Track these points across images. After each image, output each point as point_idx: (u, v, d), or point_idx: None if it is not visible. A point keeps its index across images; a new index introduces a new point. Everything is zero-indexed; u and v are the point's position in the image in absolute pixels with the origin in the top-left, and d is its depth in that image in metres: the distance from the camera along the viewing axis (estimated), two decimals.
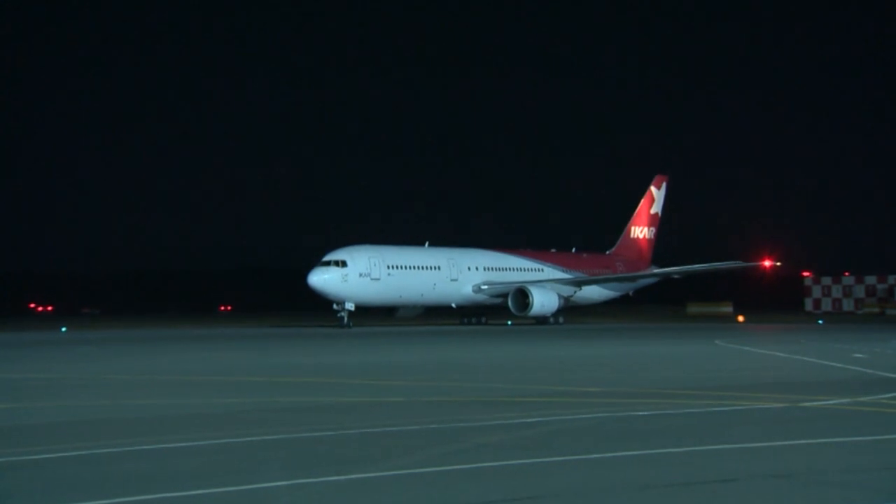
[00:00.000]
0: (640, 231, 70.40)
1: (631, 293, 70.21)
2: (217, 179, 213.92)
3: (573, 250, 66.19)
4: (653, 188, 71.01)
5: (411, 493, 8.03)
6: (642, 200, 70.70)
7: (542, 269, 61.18)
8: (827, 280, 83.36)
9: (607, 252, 68.52)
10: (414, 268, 54.52)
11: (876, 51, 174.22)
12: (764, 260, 58.63)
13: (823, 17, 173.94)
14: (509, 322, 58.88)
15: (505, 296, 56.97)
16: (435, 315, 63.67)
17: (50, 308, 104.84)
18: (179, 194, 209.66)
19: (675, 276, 65.40)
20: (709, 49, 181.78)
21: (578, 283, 60.95)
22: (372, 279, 51.65)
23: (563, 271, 62.09)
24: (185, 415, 13.13)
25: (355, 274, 50.94)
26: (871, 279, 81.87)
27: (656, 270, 68.28)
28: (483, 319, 61.36)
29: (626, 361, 24.16)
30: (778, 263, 58.07)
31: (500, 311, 60.33)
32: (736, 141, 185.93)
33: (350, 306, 51.15)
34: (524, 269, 60.40)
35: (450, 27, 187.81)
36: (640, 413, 12.82)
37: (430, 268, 55.49)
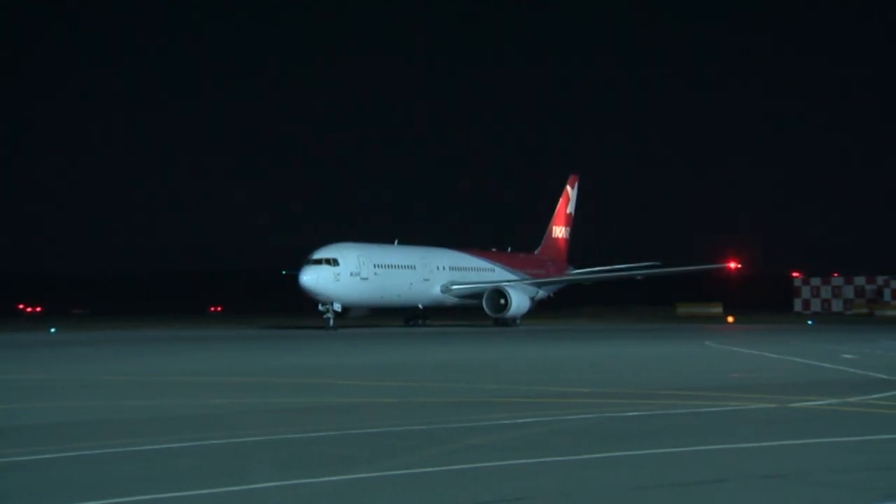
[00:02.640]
0: (559, 231, 70.08)
1: (552, 294, 69.02)
2: (208, 181, 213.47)
3: (508, 250, 65.70)
4: (568, 188, 70.65)
5: (404, 494, 8.09)
6: (560, 200, 70.31)
7: (494, 270, 60.70)
8: (816, 281, 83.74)
9: (535, 252, 68.32)
10: (395, 267, 53.72)
11: (867, 44, 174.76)
12: (729, 262, 58.12)
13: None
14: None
15: (472, 297, 56.64)
16: (379, 316, 61.85)
17: (39, 309, 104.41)
18: (169, 195, 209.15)
19: (638, 278, 64.46)
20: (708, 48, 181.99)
21: (539, 284, 60.76)
22: (361, 279, 50.53)
23: (510, 271, 61.60)
24: (180, 416, 13.16)
25: (346, 273, 49.71)
26: (860, 280, 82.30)
27: (577, 271, 68.01)
28: (427, 321, 60.33)
29: (617, 362, 24.24)
30: (739, 266, 57.48)
31: (461, 312, 59.70)
32: (729, 141, 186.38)
33: (337, 307, 49.60)
34: (480, 269, 59.86)
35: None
36: (631, 414, 12.90)
37: (407, 267, 54.71)
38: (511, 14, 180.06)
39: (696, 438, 10.65)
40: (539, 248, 68.66)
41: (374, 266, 51.77)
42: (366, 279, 50.90)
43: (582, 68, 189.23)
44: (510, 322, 55.21)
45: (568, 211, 70.61)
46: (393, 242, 57.06)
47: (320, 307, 49.79)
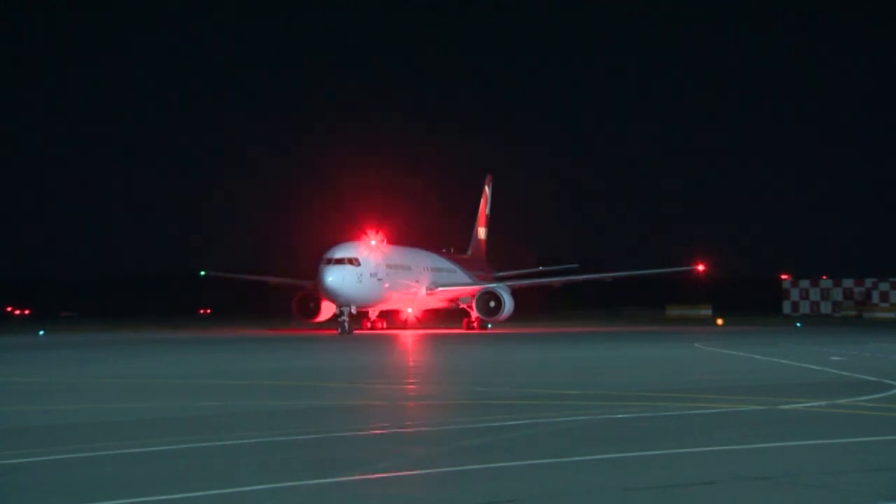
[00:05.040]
0: (482, 232, 69.46)
1: None
2: (198, 183, 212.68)
3: (451, 251, 64.26)
4: (486, 188, 69.91)
5: (394, 496, 8.10)
6: (481, 201, 69.55)
7: (455, 271, 59.94)
8: (805, 283, 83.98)
9: (468, 253, 67.26)
10: (398, 268, 52.16)
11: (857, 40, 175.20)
12: (697, 264, 57.76)
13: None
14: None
15: (454, 299, 56.30)
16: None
17: (27, 311, 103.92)
18: (160, 198, 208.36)
19: (608, 280, 63.90)
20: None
21: (513, 287, 60.49)
22: (378, 280, 48.29)
23: (466, 273, 60.83)
24: (169, 418, 13.14)
25: (367, 274, 47.11)
26: (848, 282, 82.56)
27: (499, 274, 66.83)
28: (384, 324, 58.71)
29: (608, 364, 24.30)
30: (704, 268, 57.29)
31: (440, 315, 59.19)
32: (723, 142, 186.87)
33: (353, 309, 46.85)
34: (449, 271, 59.06)
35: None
36: (622, 416, 12.93)
37: (405, 268, 53.42)
38: (511, 14, 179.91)
39: (685, 440, 10.69)
40: (470, 250, 67.81)
41: (387, 266, 49.86)
42: (381, 280, 48.80)
43: (583, 68, 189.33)
44: (484, 326, 53.70)
45: (487, 212, 69.92)
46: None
47: (336, 310, 47.06)
